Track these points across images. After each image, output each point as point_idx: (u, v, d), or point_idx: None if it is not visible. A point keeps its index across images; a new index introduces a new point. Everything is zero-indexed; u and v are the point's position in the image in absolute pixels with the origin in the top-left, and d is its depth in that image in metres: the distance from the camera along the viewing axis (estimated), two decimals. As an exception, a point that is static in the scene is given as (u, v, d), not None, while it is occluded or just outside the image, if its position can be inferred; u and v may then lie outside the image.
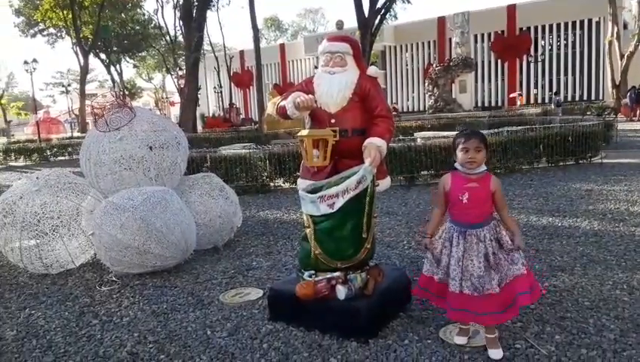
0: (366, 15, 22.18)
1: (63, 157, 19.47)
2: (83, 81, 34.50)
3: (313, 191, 2.96)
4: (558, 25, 31.03)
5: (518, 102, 28.30)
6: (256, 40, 21.25)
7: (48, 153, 19.63)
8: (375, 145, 3.01)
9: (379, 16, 22.95)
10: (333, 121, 3.14)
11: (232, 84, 39.61)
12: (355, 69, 3.21)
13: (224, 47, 37.03)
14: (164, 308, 3.62)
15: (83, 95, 32.95)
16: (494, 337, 2.67)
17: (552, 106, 22.96)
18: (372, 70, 3.28)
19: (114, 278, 4.28)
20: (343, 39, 3.27)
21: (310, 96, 3.09)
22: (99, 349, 3.05)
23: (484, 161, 2.64)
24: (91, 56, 37.14)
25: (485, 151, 2.63)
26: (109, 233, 4.12)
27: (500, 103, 32.52)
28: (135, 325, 3.36)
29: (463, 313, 2.67)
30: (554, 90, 31.39)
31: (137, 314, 3.54)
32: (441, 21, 33.60)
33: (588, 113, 18.76)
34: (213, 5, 26.92)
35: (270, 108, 3.37)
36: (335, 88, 3.13)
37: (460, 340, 2.78)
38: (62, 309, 3.74)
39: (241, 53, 43.19)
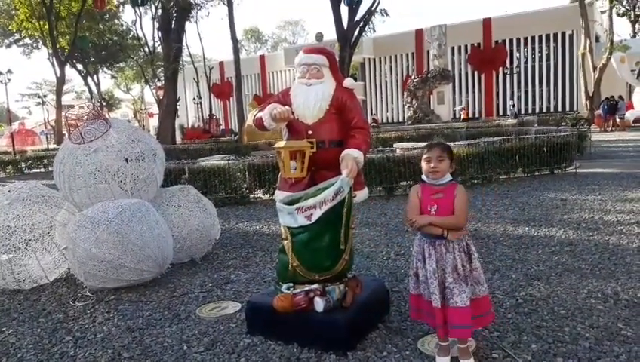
0: (345, 27, 22.41)
1: (38, 170, 19.12)
2: (59, 92, 33.99)
3: (291, 202, 2.95)
4: (533, 38, 31.73)
5: (462, 116, 28.93)
6: (236, 51, 21.28)
7: (23, 165, 19.26)
8: (352, 157, 3.02)
9: (358, 29, 23.19)
10: (310, 132, 3.13)
11: (212, 95, 39.47)
12: (331, 81, 3.21)
13: (204, 58, 36.94)
14: (139, 323, 3.55)
15: (59, 106, 32.44)
16: (466, 347, 2.66)
17: (510, 118, 23.57)
18: (348, 82, 3.29)
19: (88, 293, 4.19)
20: (319, 51, 3.28)
21: (287, 107, 3.09)
22: (71, 367, 2.98)
23: (448, 171, 2.66)
24: (68, 67, 36.67)
25: (449, 161, 2.65)
26: (83, 247, 4.04)
27: (477, 114, 33.01)
28: (109, 341, 3.28)
29: (461, 330, 2.60)
30: (529, 101, 32.04)
31: (112, 329, 3.47)
32: (419, 34, 34.08)
33: (562, 124, 19.14)
34: (192, 16, 26.83)
35: (250, 119, 3.35)
36: (312, 100, 3.14)
37: (443, 361, 2.68)
38: (34, 326, 3.64)
39: (221, 64, 43.10)
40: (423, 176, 2.71)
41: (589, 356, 2.69)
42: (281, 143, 3.13)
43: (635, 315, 3.15)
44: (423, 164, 2.68)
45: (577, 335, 2.93)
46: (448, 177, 2.67)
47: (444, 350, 2.71)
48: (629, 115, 22.24)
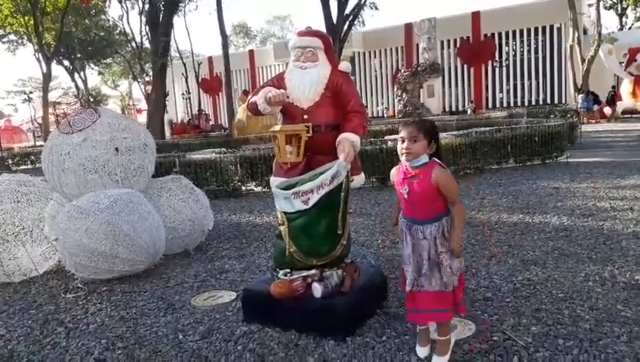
0: (334, 21, 22.32)
1: (25, 166, 18.85)
2: (46, 89, 33.49)
3: (287, 187, 2.90)
4: (521, 31, 31.79)
5: (386, 115, 30.03)
6: (225, 46, 21.12)
7: (10, 162, 19.01)
8: (349, 140, 2.97)
9: (347, 23, 23.11)
10: (305, 116, 3.08)
11: (201, 91, 39.17)
12: (326, 64, 3.16)
13: (192, 53, 36.62)
14: (133, 313, 3.49)
15: (46, 103, 32.02)
16: (445, 339, 2.51)
17: (469, 112, 24.07)
18: (344, 65, 3.24)
19: (80, 285, 4.11)
20: (313, 34, 3.22)
21: (282, 90, 3.03)
22: (64, 357, 2.91)
23: (422, 153, 2.42)
24: (54, 63, 36.18)
25: (425, 142, 2.41)
26: (74, 238, 3.96)
27: (467, 107, 33.05)
28: (102, 331, 3.22)
29: (418, 314, 2.54)
30: (518, 94, 32.21)
31: (105, 320, 3.40)
32: (408, 27, 33.99)
33: (552, 116, 19.21)
34: (180, 11, 26.61)
35: (240, 114, 3.28)
36: (307, 83, 3.08)
37: (422, 352, 2.58)
38: (25, 318, 3.56)
39: (210, 59, 42.73)
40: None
41: (590, 337, 2.67)
42: (277, 127, 3.07)
43: (634, 297, 3.15)
44: (398, 144, 2.47)
45: (577, 317, 2.92)
46: (424, 159, 2.43)
47: (423, 338, 2.61)
48: (617, 107, 22.39)
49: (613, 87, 22.43)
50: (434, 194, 2.41)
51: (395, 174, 2.58)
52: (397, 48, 35.79)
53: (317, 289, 2.90)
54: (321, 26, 22.52)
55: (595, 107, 22.51)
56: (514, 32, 32.04)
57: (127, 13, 30.11)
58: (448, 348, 2.53)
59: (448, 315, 2.52)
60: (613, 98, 21.86)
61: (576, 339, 2.65)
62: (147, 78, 31.49)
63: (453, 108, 32.39)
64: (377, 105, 35.05)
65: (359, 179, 3.28)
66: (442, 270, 2.44)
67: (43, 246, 4.51)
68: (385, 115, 30.37)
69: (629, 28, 39.12)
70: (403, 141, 2.43)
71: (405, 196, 2.48)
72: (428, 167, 2.43)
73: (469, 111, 26.19)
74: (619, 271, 3.61)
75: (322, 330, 2.87)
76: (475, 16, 32.44)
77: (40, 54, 32.43)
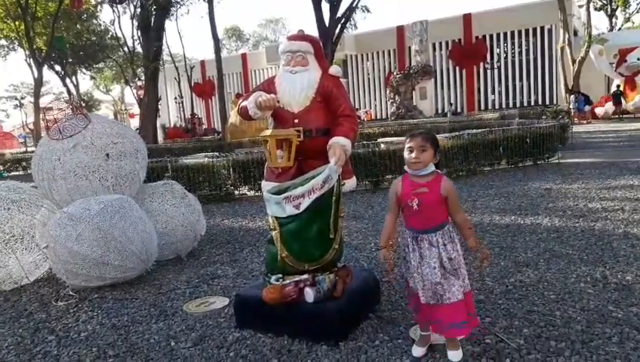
0: (327, 25, 22.36)
1: (17, 172, 18.75)
2: (37, 94, 33.28)
3: (278, 192, 2.89)
4: (512, 33, 32.01)
5: (365, 118, 31.00)
6: (217, 50, 21.08)
7: (1, 168, 18.90)
8: (339, 145, 2.97)
9: (339, 26, 23.16)
10: (296, 121, 3.08)
11: (194, 95, 39.09)
12: (317, 68, 3.16)
13: (184, 57, 36.55)
14: (124, 320, 3.46)
15: (38, 108, 31.80)
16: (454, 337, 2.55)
17: (448, 115, 24.38)
18: (334, 70, 3.24)
19: (71, 293, 4.08)
20: (303, 38, 3.22)
21: (272, 95, 3.02)
22: (55, 366, 2.89)
23: (430, 162, 2.50)
24: (46, 68, 35.94)
25: (432, 152, 2.50)
26: (65, 245, 3.93)
27: (459, 109, 33.20)
28: (94, 339, 3.19)
29: (430, 324, 2.60)
30: (510, 95, 32.39)
31: (96, 328, 3.37)
32: (400, 30, 34.13)
33: (543, 117, 19.30)
34: (172, 14, 26.55)
35: (233, 118, 3.27)
36: (297, 88, 3.08)
37: (419, 352, 2.62)
38: (15, 326, 3.53)
39: (202, 63, 42.72)
40: (405, 167, 2.55)
41: (582, 338, 2.68)
42: (267, 132, 3.06)
43: (625, 297, 3.16)
44: (405, 154, 2.53)
45: (569, 318, 2.93)
46: (431, 168, 2.51)
47: (423, 339, 2.67)
48: (608, 107, 22.57)
49: (618, 86, 22.50)
50: (441, 204, 2.50)
51: (398, 186, 2.58)
52: (389, 51, 35.92)
53: (309, 294, 2.89)
54: (314, 30, 22.57)
55: (587, 108, 22.69)
56: (505, 34, 32.25)
57: (118, 17, 30.00)
58: (458, 345, 2.55)
59: (467, 330, 2.51)
60: (619, 97, 21.96)
61: (568, 341, 2.66)
62: (139, 83, 31.35)
63: (446, 110, 32.52)
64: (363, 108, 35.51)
65: (351, 183, 3.27)
66: (460, 275, 2.49)
67: (34, 254, 4.47)
68: (364, 119, 30.65)
69: (619, 29, 39.46)
70: (411, 151, 2.50)
71: (415, 208, 2.50)
72: (435, 178, 2.52)
73: (448, 115, 26.34)
74: (610, 271, 3.63)
75: (315, 335, 2.86)
76: (467, 18, 32.62)
77: (31, 59, 32.23)
